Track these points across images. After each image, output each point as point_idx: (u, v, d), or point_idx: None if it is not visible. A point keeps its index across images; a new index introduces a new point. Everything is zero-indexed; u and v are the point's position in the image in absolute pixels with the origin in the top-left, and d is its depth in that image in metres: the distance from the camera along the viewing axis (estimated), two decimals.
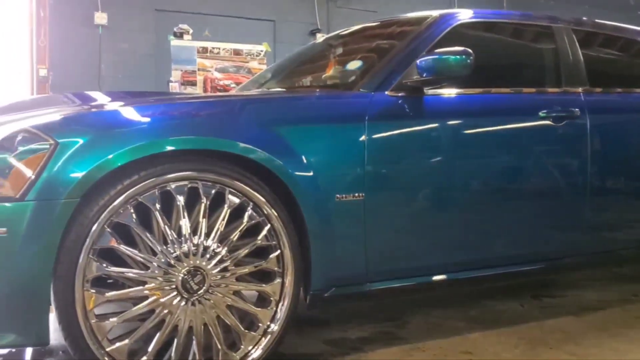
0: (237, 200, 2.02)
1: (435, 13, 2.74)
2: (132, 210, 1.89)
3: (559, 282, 3.53)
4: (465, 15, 2.75)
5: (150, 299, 1.91)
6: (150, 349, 1.93)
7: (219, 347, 2.01)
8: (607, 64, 3.32)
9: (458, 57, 2.30)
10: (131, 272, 1.91)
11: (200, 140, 1.98)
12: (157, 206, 1.92)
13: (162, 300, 1.92)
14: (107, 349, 1.88)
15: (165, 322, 1.94)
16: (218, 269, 2.00)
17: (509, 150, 2.62)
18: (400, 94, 2.39)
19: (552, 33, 2.96)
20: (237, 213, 2.03)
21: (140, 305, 1.91)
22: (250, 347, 2.07)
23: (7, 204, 1.76)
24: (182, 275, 1.94)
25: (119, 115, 2.04)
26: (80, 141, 1.83)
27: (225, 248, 2.01)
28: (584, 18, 3.28)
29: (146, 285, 1.91)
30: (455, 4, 9.45)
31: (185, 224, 1.95)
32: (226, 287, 2.02)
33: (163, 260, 1.92)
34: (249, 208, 2.04)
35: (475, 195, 2.55)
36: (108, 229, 1.86)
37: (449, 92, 2.52)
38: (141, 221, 1.91)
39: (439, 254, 2.48)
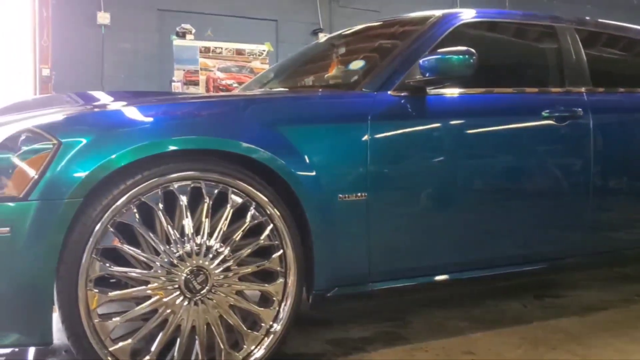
0: (239, 200, 2.03)
1: (437, 13, 2.74)
2: (135, 210, 1.89)
3: (562, 282, 3.53)
4: (467, 15, 2.75)
5: (153, 299, 1.92)
6: (153, 348, 1.93)
7: (222, 346, 2.01)
8: (610, 63, 3.31)
9: (461, 56, 2.30)
10: (134, 272, 1.91)
11: (202, 140, 1.98)
12: (160, 206, 1.92)
13: (165, 299, 1.93)
14: (110, 349, 1.88)
15: (168, 322, 1.94)
16: (221, 268, 2.00)
17: (511, 150, 2.61)
18: (402, 94, 2.39)
19: (555, 33, 2.95)
20: (239, 213, 2.03)
21: (143, 305, 1.91)
22: (252, 347, 2.07)
23: (10, 204, 1.76)
24: (185, 275, 1.94)
25: (122, 115, 2.04)
26: (84, 141, 1.83)
27: (228, 248, 2.01)
28: (587, 18, 3.27)
29: (149, 285, 1.91)
30: (457, 4, 9.46)
31: (188, 223, 1.95)
32: (229, 286, 2.02)
33: (166, 260, 1.92)
34: (251, 208, 2.04)
35: (478, 195, 2.54)
36: (111, 229, 1.87)
37: (452, 92, 2.52)
38: (144, 221, 1.91)
39: (441, 254, 2.48)
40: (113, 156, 1.82)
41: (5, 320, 1.78)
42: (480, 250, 2.57)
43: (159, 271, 1.92)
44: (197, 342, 1.98)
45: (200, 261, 1.96)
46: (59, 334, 1.93)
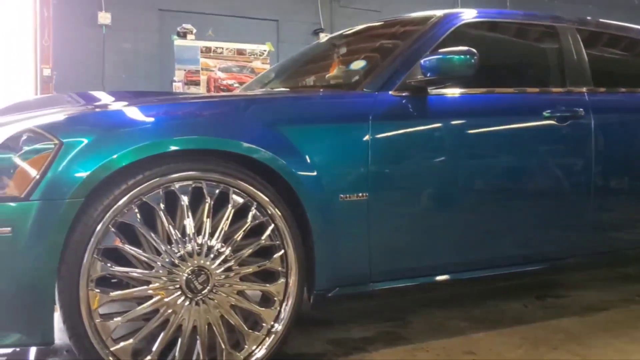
0: (241, 200, 2.03)
1: (439, 13, 2.74)
2: (136, 210, 1.89)
3: (563, 283, 3.52)
4: (469, 15, 2.75)
5: (154, 299, 1.92)
6: (154, 348, 1.93)
7: (223, 346, 2.02)
8: (612, 63, 3.31)
9: (462, 57, 2.30)
10: (135, 272, 1.91)
11: (204, 140, 1.98)
12: (162, 206, 1.92)
13: (166, 299, 1.93)
14: (112, 349, 1.88)
15: (170, 322, 1.94)
16: (222, 268, 2.00)
17: (512, 150, 2.61)
18: (404, 94, 2.39)
19: (556, 33, 2.95)
20: (241, 213, 2.03)
21: (145, 305, 1.91)
22: (254, 347, 2.07)
23: (11, 204, 1.76)
24: (186, 275, 1.94)
25: (123, 115, 2.05)
26: (85, 141, 1.83)
27: (229, 248, 2.01)
28: (588, 18, 3.27)
29: (150, 285, 1.91)
30: (458, 4, 9.45)
31: (189, 223, 1.95)
32: (230, 286, 2.02)
33: (167, 259, 1.93)
34: (252, 208, 2.04)
35: (479, 195, 2.54)
36: (112, 229, 1.87)
37: (453, 92, 2.52)
38: (145, 221, 1.92)
39: (442, 254, 2.48)
40: (114, 156, 1.82)
41: (7, 320, 1.79)
42: (481, 251, 2.57)
43: (160, 271, 1.92)
44: (198, 342, 1.98)
45: (202, 261, 1.97)
46: (60, 334, 1.93)
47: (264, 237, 2.06)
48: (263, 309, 2.10)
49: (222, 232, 2.00)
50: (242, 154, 2.01)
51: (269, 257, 2.09)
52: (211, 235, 1.99)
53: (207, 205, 1.97)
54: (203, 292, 1.97)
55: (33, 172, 1.77)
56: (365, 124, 2.26)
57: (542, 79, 2.97)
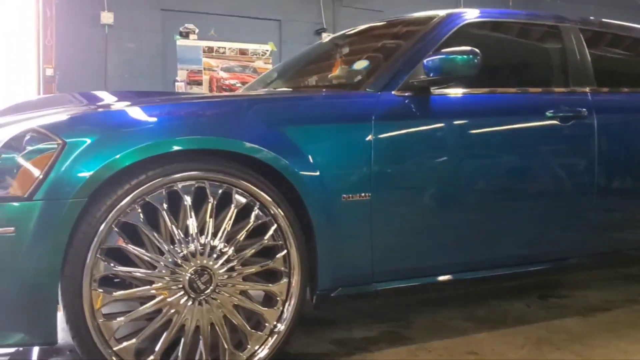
0: (243, 200, 2.03)
1: (441, 13, 2.74)
2: (139, 210, 1.89)
3: (566, 283, 3.52)
4: (471, 14, 2.75)
5: (157, 299, 1.92)
6: (157, 348, 1.93)
7: (226, 346, 2.02)
8: (615, 63, 3.31)
9: (465, 56, 2.30)
10: (138, 272, 1.91)
11: (206, 140, 1.99)
12: (165, 206, 1.92)
13: (169, 299, 1.93)
14: (115, 348, 1.88)
15: (172, 322, 1.94)
16: (225, 268, 2.00)
17: (515, 150, 2.61)
18: (406, 94, 2.39)
19: (559, 32, 2.95)
20: (243, 213, 2.03)
21: (148, 305, 1.92)
22: (256, 347, 2.08)
23: (15, 204, 1.76)
24: (189, 274, 1.94)
25: (126, 115, 2.05)
26: (88, 141, 1.83)
27: (232, 248, 2.01)
28: (591, 17, 3.27)
29: (153, 285, 1.91)
30: (461, 4, 9.45)
31: (192, 223, 1.96)
32: (233, 286, 2.02)
33: (170, 259, 1.93)
34: (255, 208, 2.04)
35: (482, 195, 2.54)
36: (115, 229, 1.87)
37: (456, 92, 2.52)
38: (148, 221, 1.92)
39: (445, 254, 2.48)
40: (117, 156, 1.82)
41: (10, 320, 1.79)
42: (484, 251, 2.57)
43: (163, 271, 1.92)
44: (201, 341, 1.99)
45: (205, 261, 1.97)
46: (63, 334, 1.94)
47: (266, 237, 2.06)
48: (266, 309, 2.10)
49: (225, 232, 2.00)
50: (244, 154, 2.01)
51: (272, 257, 2.09)
52: (214, 235, 1.99)
53: (210, 205, 1.98)
54: (206, 292, 1.97)
55: (36, 172, 1.78)
56: (368, 124, 2.26)
57: (545, 79, 2.97)
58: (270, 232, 2.07)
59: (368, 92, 2.39)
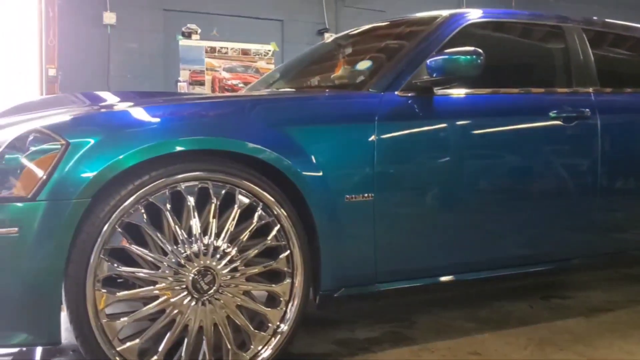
0: (246, 201, 2.03)
1: (444, 13, 2.74)
2: (142, 211, 1.90)
3: (568, 283, 3.52)
4: (475, 15, 2.75)
5: (160, 299, 1.92)
6: (160, 348, 1.93)
7: (229, 347, 2.02)
8: (618, 63, 3.30)
9: (468, 57, 2.30)
10: (142, 272, 1.91)
11: (209, 140, 1.99)
12: (168, 206, 1.92)
13: (172, 300, 1.93)
14: (118, 349, 1.88)
15: (176, 322, 1.94)
16: (228, 269, 2.00)
17: (519, 150, 2.61)
18: (410, 94, 2.39)
19: (562, 33, 2.95)
20: (246, 213, 2.04)
21: (151, 305, 1.92)
22: (260, 347, 2.08)
23: (19, 204, 1.77)
24: (192, 275, 1.94)
25: (129, 116, 2.05)
26: (91, 141, 1.84)
27: (235, 248, 2.01)
28: (594, 17, 3.26)
29: (157, 285, 1.92)
30: (464, 4, 9.43)
31: (195, 224, 1.96)
32: (236, 287, 2.02)
33: (173, 260, 1.93)
34: (258, 208, 2.04)
35: (485, 196, 2.54)
36: (119, 229, 1.87)
37: (459, 92, 2.51)
38: (152, 221, 1.92)
39: (448, 254, 2.48)
40: (121, 157, 1.83)
41: (13, 320, 1.79)
42: (487, 251, 2.57)
43: (167, 271, 1.92)
44: (204, 342, 1.99)
45: (208, 261, 1.97)
46: (66, 334, 1.94)
47: (269, 237, 2.06)
48: (269, 309, 2.10)
49: (228, 232, 2.00)
50: (247, 154, 2.01)
51: (275, 258, 2.09)
52: (217, 235, 1.99)
53: (213, 205, 1.98)
54: (209, 292, 1.97)
55: (40, 173, 1.78)
56: (371, 125, 2.26)
57: (548, 79, 2.96)
58: (274, 232, 2.07)
59: (371, 93, 2.39)
